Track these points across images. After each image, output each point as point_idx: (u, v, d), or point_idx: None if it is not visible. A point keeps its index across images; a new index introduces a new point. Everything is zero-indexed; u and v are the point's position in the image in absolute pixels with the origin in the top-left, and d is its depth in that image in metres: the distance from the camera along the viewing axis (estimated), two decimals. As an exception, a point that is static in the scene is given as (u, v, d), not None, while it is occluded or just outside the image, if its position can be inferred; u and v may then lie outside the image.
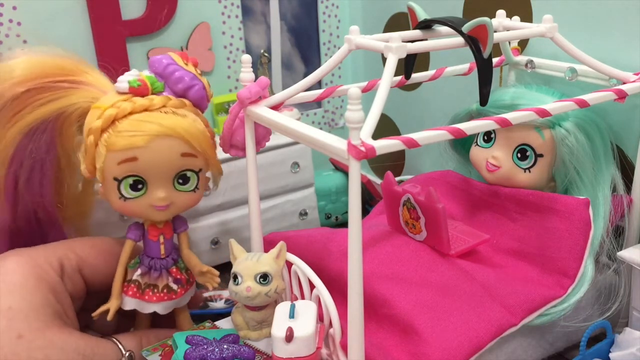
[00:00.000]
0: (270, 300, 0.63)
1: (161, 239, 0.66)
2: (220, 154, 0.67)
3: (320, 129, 0.67)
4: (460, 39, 0.57)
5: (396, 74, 0.59)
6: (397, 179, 0.77)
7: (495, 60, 0.78)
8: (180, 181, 0.63)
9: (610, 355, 0.64)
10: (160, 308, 0.66)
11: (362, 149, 0.48)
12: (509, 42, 0.80)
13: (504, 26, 0.72)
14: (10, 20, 0.81)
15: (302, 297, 0.64)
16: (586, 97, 0.61)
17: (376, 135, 0.49)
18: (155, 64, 0.63)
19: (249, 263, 0.62)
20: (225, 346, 0.59)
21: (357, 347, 0.53)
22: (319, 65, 1.08)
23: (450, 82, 0.88)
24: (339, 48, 0.64)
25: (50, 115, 0.63)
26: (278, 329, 0.55)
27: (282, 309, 0.58)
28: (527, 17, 0.79)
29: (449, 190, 0.77)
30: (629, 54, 0.69)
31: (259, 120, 0.62)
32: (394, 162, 1.11)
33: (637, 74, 0.66)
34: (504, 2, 0.81)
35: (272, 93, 0.70)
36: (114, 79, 0.64)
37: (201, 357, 0.57)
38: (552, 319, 0.63)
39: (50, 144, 0.65)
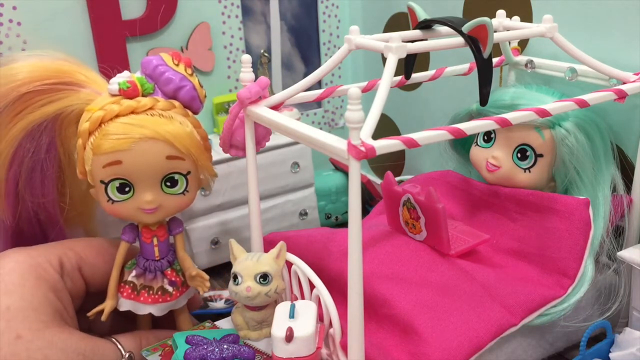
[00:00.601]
0: (270, 300, 0.63)
1: (155, 241, 0.65)
2: (220, 154, 0.67)
3: (320, 129, 0.67)
4: (460, 39, 0.57)
5: (396, 74, 0.59)
6: (397, 179, 0.77)
7: (495, 60, 0.78)
8: (168, 184, 0.63)
9: (610, 355, 0.64)
10: (155, 310, 0.65)
11: (362, 149, 0.48)
12: (509, 42, 0.80)
13: (504, 26, 0.72)
14: (10, 20, 0.81)
15: (302, 297, 0.64)
16: (586, 97, 0.61)
17: (376, 135, 0.49)
18: (145, 65, 0.63)
19: (249, 263, 0.62)
20: (225, 346, 0.58)
21: (357, 347, 0.53)
22: (319, 65, 1.08)
23: (450, 82, 0.88)
24: (339, 48, 0.64)
25: (49, 116, 0.63)
26: (278, 329, 0.55)
27: (282, 309, 0.58)
28: (527, 17, 0.79)
29: (449, 190, 0.77)
30: (629, 54, 0.69)
31: (259, 120, 0.62)
32: (394, 162, 1.11)
33: (637, 74, 0.66)
34: (504, 2, 0.81)
35: (272, 93, 0.70)
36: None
37: (201, 357, 0.57)
38: (552, 319, 0.63)
39: (50, 145, 0.65)
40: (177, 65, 0.64)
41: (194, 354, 0.57)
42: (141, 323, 0.69)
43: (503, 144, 0.71)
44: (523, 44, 0.81)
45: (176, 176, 0.63)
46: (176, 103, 0.63)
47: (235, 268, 0.63)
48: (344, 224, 0.94)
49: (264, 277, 0.61)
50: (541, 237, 0.67)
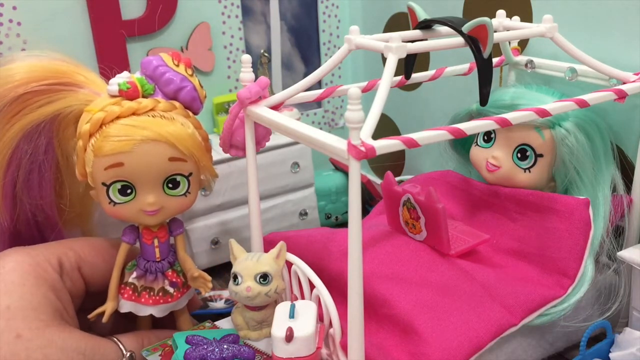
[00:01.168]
0: (270, 300, 0.63)
1: (156, 242, 0.65)
2: (220, 154, 0.67)
3: (320, 129, 0.67)
4: (460, 39, 0.57)
5: (396, 74, 0.59)
6: (397, 179, 0.77)
7: (495, 60, 0.78)
8: (170, 185, 0.63)
9: (610, 355, 0.64)
10: (156, 311, 0.65)
11: (362, 149, 0.48)
12: (509, 42, 0.80)
13: (504, 26, 0.72)
14: (10, 20, 0.81)
15: (302, 297, 0.64)
16: (586, 97, 0.61)
17: (376, 135, 0.49)
18: (146, 65, 0.63)
19: (249, 263, 0.62)
20: (225, 346, 0.58)
21: (357, 347, 0.53)
22: (319, 65, 1.08)
23: (450, 82, 0.88)
24: (339, 48, 0.64)
25: (46, 117, 0.63)
26: (278, 329, 0.55)
27: (282, 309, 0.58)
28: (527, 17, 0.79)
29: (449, 190, 0.77)
30: (629, 54, 0.69)
31: (259, 120, 0.62)
32: (394, 162, 1.11)
33: (637, 74, 0.66)
34: (504, 2, 0.81)
35: (272, 93, 0.70)
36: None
37: (201, 357, 0.57)
38: (552, 319, 0.63)
39: (47, 146, 0.65)
40: (178, 65, 0.64)
41: (194, 354, 0.57)
42: (141, 323, 0.69)
43: (503, 144, 0.71)
44: (523, 44, 0.81)
45: (178, 178, 0.63)
46: (177, 104, 0.63)
47: (235, 268, 0.63)
48: (344, 224, 0.94)
49: (264, 277, 0.61)
50: (541, 237, 0.67)
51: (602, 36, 0.72)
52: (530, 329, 0.64)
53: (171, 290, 0.66)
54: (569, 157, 0.67)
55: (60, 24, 0.84)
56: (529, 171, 0.70)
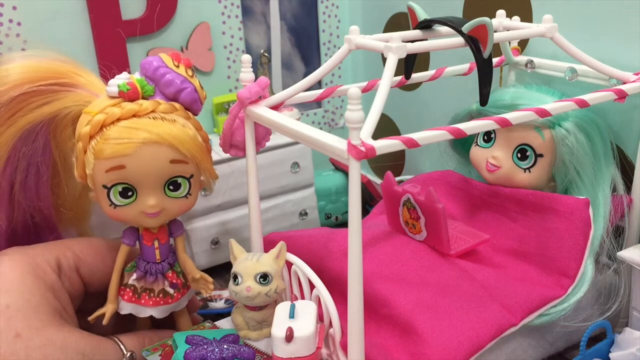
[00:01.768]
0: (270, 300, 0.63)
1: (156, 244, 0.65)
2: (220, 154, 0.67)
3: (320, 129, 0.67)
4: (460, 39, 0.57)
5: (396, 74, 0.59)
6: (397, 179, 0.77)
7: (495, 60, 0.78)
8: (171, 187, 0.62)
9: (610, 355, 0.64)
10: (156, 312, 0.65)
11: (362, 149, 0.48)
12: (509, 42, 0.80)
13: (504, 26, 0.72)
14: (10, 20, 0.81)
15: (302, 297, 0.64)
16: (586, 97, 0.61)
17: (376, 135, 0.49)
18: (146, 66, 0.62)
19: (249, 263, 0.62)
20: (225, 346, 0.58)
21: (357, 347, 0.53)
22: (319, 65, 1.08)
23: (450, 82, 0.88)
24: (339, 48, 0.64)
25: (43, 119, 0.63)
26: (278, 329, 0.55)
27: (282, 309, 0.58)
28: (527, 17, 0.79)
29: (449, 190, 0.77)
30: (629, 54, 0.69)
31: (259, 120, 0.62)
32: (394, 162, 1.11)
33: (637, 74, 0.66)
34: (504, 2, 0.81)
35: (272, 93, 0.70)
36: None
37: (201, 357, 0.57)
38: (552, 319, 0.63)
39: (45, 147, 0.64)
40: (178, 66, 0.63)
41: (194, 354, 0.57)
42: (141, 323, 0.69)
43: (503, 144, 0.71)
44: (523, 44, 0.81)
45: (179, 180, 0.62)
46: (177, 105, 0.62)
47: (235, 268, 0.63)
48: (344, 224, 0.94)
49: (264, 277, 0.61)
50: (541, 237, 0.67)
51: (602, 36, 0.72)
52: (530, 329, 0.64)
53: (171, 291, 0.66)
54: (569, 157, 0.67)
55: (60, 24, 0.84)
56: (529, 171, 0.70)
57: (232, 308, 0.67)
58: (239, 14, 0.98)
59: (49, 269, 0.61)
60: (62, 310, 0.61)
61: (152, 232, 0.65)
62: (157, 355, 0.63)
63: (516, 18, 0.74)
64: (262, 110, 0.61)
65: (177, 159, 0.61)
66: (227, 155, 0.68)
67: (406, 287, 0.61)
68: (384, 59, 0.53)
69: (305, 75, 1.00)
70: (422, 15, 0.62)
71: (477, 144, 0.74)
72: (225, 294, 0.82)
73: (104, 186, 0.61)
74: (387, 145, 0.50)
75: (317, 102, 1.11)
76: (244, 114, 0.63)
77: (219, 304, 0.81)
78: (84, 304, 0.66)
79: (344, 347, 0.56)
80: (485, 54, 0.56)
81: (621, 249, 0.68)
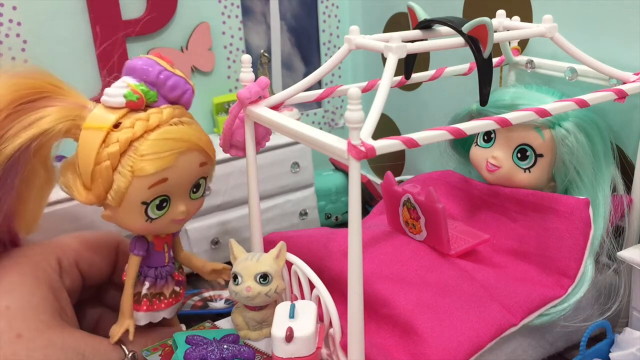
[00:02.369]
0: (270, 300, 0.63)
1: (165, 248, 0.65)
2: (221, 154, 0.67)
3: (320, 129, 0.67)
4: (460, 39, 0.57)
5: (396, 74, 0.59)
6: (397, 179, 0.77)
7: (495, 60, 0.78)
8: (195, 190, 0.63)
9: (610, 355, 0.64)
10: (168, 313, 0.66)
11: (362, 149, 0.48)
12: (509, 42, 0.80)
13: (504, 26, 0.72)
14: (10, 20, 0.81)
15: (302, 297, 0.64)
16: (586, 97, 0.61)
17: (376, 135, 0.49)
18: (147, 71, 0.60)
19: (249, 263, 0.62)
20: (225, 346, 0.58)
21: (357, 347, 0.53)
22: (319, 65, 1.08)
23: (450, 82, 0.88)
24: (339, 48, 0.64)
25: (25, 144, 0.57)
26: (278, 329, 0.55)
27: (282, 309, 0.58)
28: (527, 17, 0.79)
29: (449, 190, 0.77)
30: (629, 54, 0.69)
31: (259, 120, 0.62)
32: (394, 162, 1.11)
33: (637, 74, 0.66)
34: (504, 2, 0.81)
35: (272, 93, 0.70)
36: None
37: (201, 357, 0.57)
38: (552, 319, 0.63)
39: (21, 171, 0.60)
40: (174, 68, 0.62)
41: (194, 354, 0.57)
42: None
43: (503, 144, 0.71)
44: (523, 44, 0.81)
45: (200, 181, 0.63)
46: (181, 107, 0.62)
47: (235, 268, 0.63)
48: (344, 224, 0.94)
49: (264, 277, 0.61)
50: (541, 237, 0.67)
51: (602, 36, 0.72)
52: (530, 329, 0.64)
53: (178, 289, 0.66)
54: (569, 157, 0.67)
55: (60, 24, 0.84)
56: (529, 171, 0.70)
57: (232, 308, 0.67)
58: (239, 14, 0.98)
59: (49, 269, 0.62)
60: (61, 311, 0.61)
61: (161, 238, 0.64)
62: (157, 355, 0.63)
63: (516, 18, 0.74)
64: (262, 110, 0.61)
65: (204, 162, 0.61)
66: (227, 155, 0.68)
67: (406, 287, 0.61)
68: (384, 59, 0.53)
69: (305, 75, 1.00)
70: (422, 15, 0.62)
71: (477, 144, 0.74)
72: (225, 294, 0.82)
73: (144, 202, 0.59)
74: (387, 145, 0.50)
75: (317, 102, 1.11)
76: (244, 114, 0.63)
77: (219, 304, 0.81)
78: (98, 327, 0.66)
79: (344, 347, 0.56)
80: (485, 54, 0.56)
81: (621, 249, 0.68)
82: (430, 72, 0.77)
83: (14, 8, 0.81)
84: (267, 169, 0.91)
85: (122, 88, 0.59)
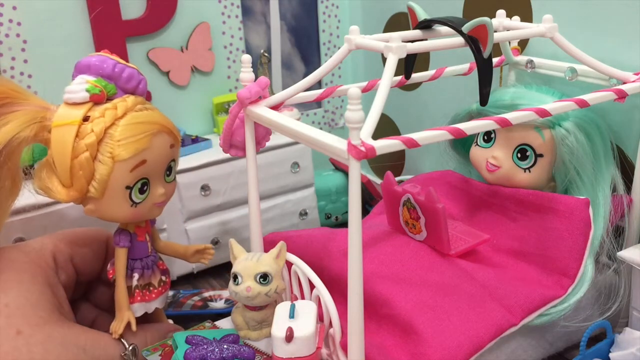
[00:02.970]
0: (270, 300, 0.63)
1: (147, 237, 0.66)
2: (221, 154, 0.67)
3: (320, 129, 0.67)
4: (460, 39, 0.57)
5: (396, 74, 0.59)
6: (397, 179, 0.77)
7: (495, 60, 0.78)
8: (168, 173, 0.65)
9: (610, 355, 0.64)
10: (159, 302, 0.66)
11: (362, 149, 0.48)
12: (509, 42, 0.80)
13: (504, 26, 0.72)
14: (10, 20, 0.81)
15: (302, 297, 0.64)
16: (586, 97, 0.61)
17: (376, 135, 0.49)
18: (102, 66, 0.61)
19: (249, 263, 0.62)
20: (225, 346, 0.59)
21: (357, 347, 0.53)
22: (319, 65, 1.08)
23: (450, 82, 0.88)
24: (339, 48, 0.64)
25: None
26: (278, 329, 0.55)
27: (282, 309, 0.58)
28: (527, 17, 0.79)
29: (449, 190, 0.77)
30: (629, 54, 0.69)
31: (259, 120, 0.62)
32: (394, 162, 1.11)
33: (637, 74, 0.66)
34: (504, 2, 0.81)
35: (272, 93, 0.70)
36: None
37: (201, 357, 0.57)
38: (552, 319, 0.63)
39: None
40: (124, 61, 0.63)
41: (194, 354, 0.57)
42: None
43: (503, 144, 0.71)
44: (523, 44, 0.81)
45: (172, 163, 0.65)
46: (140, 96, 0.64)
47: (235, 268, 0.63)
48: (344, 224, 0.94)
49: (264, 277, 0.61)
50: (541, 237, 0.67)
51: (602, 36, 0.72)
52: (530, 329, 0.64)
53: (164, 278, 0.67)
54: (569, 157, 0.67)
55: (60, 24, 0.84)
56: (529, 171, 0.70)
57: (232, 308, 0.67)
58: (239, 14, 0.98)
59: (45, 265, 0.62)
60: (59, 306, 0.61)
61: (142, 227, 0.66)
62: (157, 355, 0.63)
63: (516, 18, 0.74)
64: (262, 110, 0.61)
65: (173, 143, 0.64)
66: (227, 155, 0.68)
67: (406, 287, 0.61)
68: (384, 59, 0.53)
69: (305, 75, 1.00)
70: (422, 15, 0.62)
71: (477, 144, 0.74)
72: (225, 294, 0.82)
73: (127, 187, 0.60)
74: (387, 145, 0.50)
75: (317, 102, 1.11)
76: (244, 114, 0.63)
77: (219, 304, 0.81)
78: (84, 309, 0.66)
79: (344, 347, 0.56)
80: (485, 54, 0.56)
81: (621, 249, 0.68)
82: (430, 72, 0.77)
83: (14, 8, 0.81)
84: (267, 169, 0.91)
85: (82, 84, 0.60)
